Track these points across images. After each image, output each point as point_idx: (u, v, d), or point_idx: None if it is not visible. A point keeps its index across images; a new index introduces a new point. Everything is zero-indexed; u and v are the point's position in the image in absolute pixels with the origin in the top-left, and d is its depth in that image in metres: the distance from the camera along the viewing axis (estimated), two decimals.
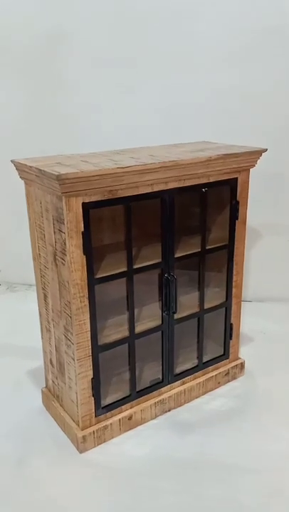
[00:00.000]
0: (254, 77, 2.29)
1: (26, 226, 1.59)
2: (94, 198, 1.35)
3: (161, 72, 2.35)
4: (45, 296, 1.61)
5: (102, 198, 1.37)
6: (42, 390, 1.80)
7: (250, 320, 2.38)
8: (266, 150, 1.64)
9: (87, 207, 1.35)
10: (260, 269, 2.58)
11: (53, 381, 1.72)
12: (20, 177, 1.51)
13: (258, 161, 1.67)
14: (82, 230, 1.36)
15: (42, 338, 1.73)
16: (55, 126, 2.52)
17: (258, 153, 1.63)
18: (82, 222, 1.35)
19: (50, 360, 1.69)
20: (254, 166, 1.67)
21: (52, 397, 1.74)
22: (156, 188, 1.47)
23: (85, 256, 1.39)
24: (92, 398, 1.55)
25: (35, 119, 2.55)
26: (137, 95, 2.40)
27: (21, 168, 1.46)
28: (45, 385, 1.81)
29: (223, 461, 1.53)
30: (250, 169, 1.68)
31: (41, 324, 1.70)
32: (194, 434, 1.65)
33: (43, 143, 2.39)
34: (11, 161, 1.49)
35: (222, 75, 2.30)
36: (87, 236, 1.37)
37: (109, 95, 2.43)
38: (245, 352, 2.07)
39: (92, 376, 1.53)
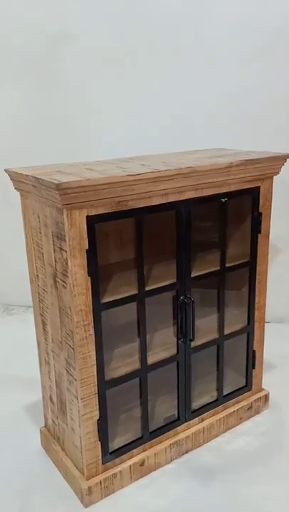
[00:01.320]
0: (268, 78, 2.13)
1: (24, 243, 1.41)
2: (100, 211, 1.16)
3: (169, 75, 2.20)
4: (44, 324, 1.40)
5: (110, 211, 1.18)
6: (41, 430, 1.59)
7: (270, 343, 2.15)
8: None
9: (92, 221, 1.16)
10: (278, 286, 2.38)
11: (53, 421, 1.50)
12: (16, 188, 1.32)
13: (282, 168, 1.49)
14: (87, 247, 1.17)
15: (40, 371, 1.52)
16: (54, 131, 2.34)
17: (282, 158, 1.45)
18: (87, 238, 1.16)
19: (50, 396, 1.48)
20: (278, 173, 1.49)
21: (52, 438, 1.53)
22: (171, 199, 1.28)
23: (90, 278, 1.19)
24: (99, 443, 1.34)
25: (32, 124, 2.37)
26: (142, 100, 2.24)
27: (16, 178, 1.27)
28: (44, 424, 1.59)
29: None
30: (274, 177, 1.50)
31: (40, 355, 1.50)
32: (218, 481, 1.42)
33: (41, 149, 2.22)
34: (5, 171, 1.31)
35: (234, 77, 2.15)
36: (92, 254, 1.18)
37: (113, 99, 2.26)
38: (267, 381, 1.84)
39: (98, 417, 1.31)
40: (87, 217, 1.15)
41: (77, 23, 2.21)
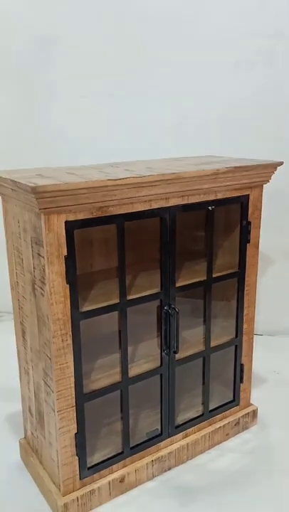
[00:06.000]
0: (261, 88, 2.11)
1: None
2: (80, 216, 1.13)
3: (161, 82, 2.18)
4: (24, 332, 1.36)
5: (90, 216, 1.14)
6: (20, 442, 1.53)
7: (260, 357, 2.11)
8: (282, 163, 1.43)
9: (71, 226, 1.12)
10: (270, 298, 2.33)
11: (32, 433, 1.45)
12: None
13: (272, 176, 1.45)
14: (66, 254, 1.13)
15: (20, 380, 1.47)
16: (42, 139, 2.32)
17: (272, 166, 1.42)
18: (66, 244, 1.12)
19: (29, 407, 1.43)
20: (268, 181, 1.46)
21: (31, 451, 1.47)
22: (154, 205, 1.24)
23: (68, 285, 1.15)
24: (76, 457, 1.29)
25: (20, 131, 2.35)
26: (134, 107, 2.22)
27: None
28: (23, 436, 1.54)
29: None
30: (264, 185, 1.47)
31: (19, 365, 1.45)
32: (201, 502, 1.36)
33: (29, 157, 2.19)
34: None
35: (227, 84, 2.13)
36: (71, 262, 1.14)
37: (104, 106, 2.24)
38: (256, 396, 1.79)
39: (76, 431, 1.26)
40: (66, 222, 1.11)
41: (69, 28, 2.20)
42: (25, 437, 1.53)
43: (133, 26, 2.14)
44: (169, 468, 1.49)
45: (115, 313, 1.31)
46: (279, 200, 2.16)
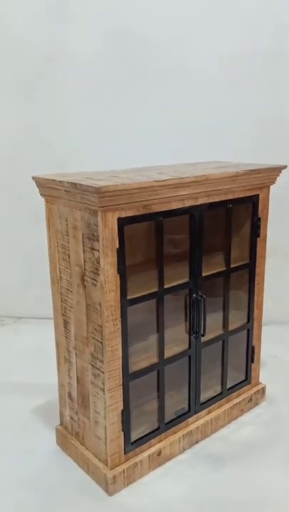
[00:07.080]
0: (254, 100, 2.34)
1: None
2: (129, 213, 1.28)
3: (160, 95, 2.36)
4: (66, 323, 1.48)
5: (137, 213, 1.30)
6: (56, 428, 1.64)
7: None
8: (286, 166, 1.64)
9: (122, 223, 1.27)
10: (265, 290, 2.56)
11: (71, 417, 1.56)
12: (42, 194, 1.42)
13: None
14: (118, 247, 1.27)
15: (58, 370, 1.58)
16: (52, 149, 2.45)
17: (278, 169, 1.63)
18: (118, 239, 1.27)
19: (69, 393, 1.55)
20: (274, 182, 1.67)
21: (70, 435, 1.58)
22: (187, 204, 1.42)
23: (118, 275, 1.29)
24: (122, 433, 1.42)
25: (31, 142, 2.47)
26: (136, 118, 2.39)
27: (46, 185, 1.36)
28: (59, 423, 1.65)
29: (271, 496, 1.42)
30: (270, 186, 1.67)
31: (58, 354, 1.56)
32: (229, 468, 1.53)
33: (40, 166, 2.30)
34: (33, 178, 1.40)
35: (222, 97, 2.34)
36: (121, 254, 1.28)
37: (104, 116, 2.40)
38: (260, 376, 1.99)
39: (122, 408, 1.40)
40: (118, 219, 1.26)
41: (71, 44, 2.35)
42: (61, 424, 1.63)
43: (134, 40, 2.31)
44: (197, 442, 1.64)
45: (148, 302, 1.46)
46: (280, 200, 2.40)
